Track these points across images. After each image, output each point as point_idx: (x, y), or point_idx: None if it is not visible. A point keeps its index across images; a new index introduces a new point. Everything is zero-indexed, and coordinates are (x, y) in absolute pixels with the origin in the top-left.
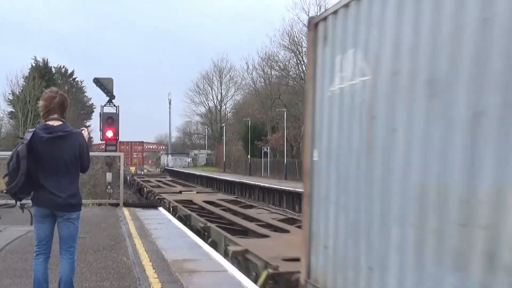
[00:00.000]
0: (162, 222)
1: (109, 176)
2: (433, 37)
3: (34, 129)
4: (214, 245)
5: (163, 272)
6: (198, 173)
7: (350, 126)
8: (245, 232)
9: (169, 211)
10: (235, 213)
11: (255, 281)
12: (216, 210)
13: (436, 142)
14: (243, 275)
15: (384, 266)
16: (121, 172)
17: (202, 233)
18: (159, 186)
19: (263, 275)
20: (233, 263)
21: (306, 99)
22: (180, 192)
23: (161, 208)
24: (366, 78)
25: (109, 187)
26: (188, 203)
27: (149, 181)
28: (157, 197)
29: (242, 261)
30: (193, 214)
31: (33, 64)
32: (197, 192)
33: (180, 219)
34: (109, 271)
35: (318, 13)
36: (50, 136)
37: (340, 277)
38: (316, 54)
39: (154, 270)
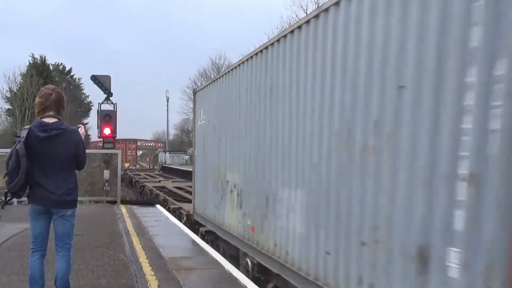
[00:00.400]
0: (160, 220)
1: (106, 174)
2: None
3: (29, 126)
4: (164, 205)
5: (160, 269)
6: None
7: (206, 142)
8: (189, 201)
9: (148, 193)
10: (188, 191)
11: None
12: (178, 191)
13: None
14: (240, 272)
15: (218, 206)
16: (119, 169)
17: (163, 203)
18: (145, 178)
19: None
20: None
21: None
22: (159, 181)
23: (158, 206)
24: (203, 122)
25: (106, 184)
26: (162, 188)
27: (139, 175)
28: (140, 184)
29: (177, 213)
30: (161, 193)
31: (31, 61)
32: (172, 181)
33: (154, 197)
34: (106, 268)
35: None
36: (45, 135)
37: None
38: (195, 107)
39: (151, 268)
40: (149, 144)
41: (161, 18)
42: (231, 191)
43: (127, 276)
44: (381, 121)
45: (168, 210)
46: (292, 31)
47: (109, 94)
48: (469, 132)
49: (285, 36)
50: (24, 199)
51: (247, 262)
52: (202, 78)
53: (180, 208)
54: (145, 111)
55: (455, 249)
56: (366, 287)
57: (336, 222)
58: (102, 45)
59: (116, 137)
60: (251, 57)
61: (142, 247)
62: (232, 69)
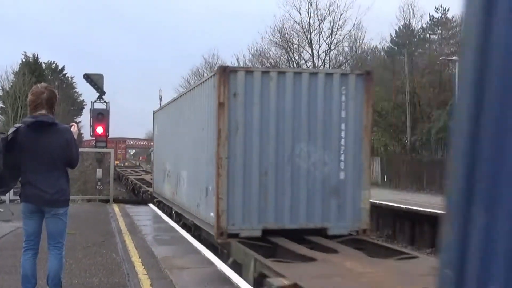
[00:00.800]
0: (152, 219)
1: (99, 172)
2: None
3: (20, 124)
4: (139, 189)
5: (152, 268)
6: None
7: (157, 146)
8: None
9: (130, 183)
10: None
11: None
12: (151, 181)
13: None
14: (232, 271)
15: (162, 184)
16: (111, 168)
17: (138, 189)
18: (130, 173)
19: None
20: None
21: None
22: (141, 175)
23: (151, 205)
24: (157, 133)
25: (99, 183)
26: (141, 179)
27: (126, 170)
28: (125, 177)
29: (147, 194)
30: (138, 182)
31: (23, 60)
32: (150, 175)
33: (134, 187)
34: (99, 267)
35: (309, 10)
36: (34, 120)
37: (156, 188)
38: (153, 123)
39: (143, 267)
40: (142, 143)
41: (154, 15)
42: (167, 174)
43: (119, 275)
44: None
45: (139, 192)
46: (185, 93)
47: (101, 92)
48: None
49: (186, 93)
50: (17, 197)
51: (171, 212)
52: (195, 77)
53: (148, 190)
54: (138, 110)
55: None
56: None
57: (202, 187)
58: (95, 44)
59: (109, 135)
60: (174, 100)
61: (135, 246)
62: (168, 104)
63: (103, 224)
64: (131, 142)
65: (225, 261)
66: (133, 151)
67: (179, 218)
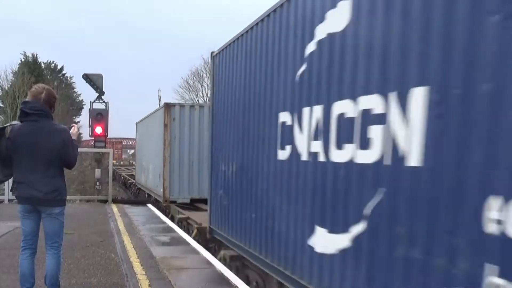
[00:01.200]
0: (151, 219)
1: (97, 173)
2: None
3: (16, 122)
4: (127, 181)
5: (151, 268)
6: None
7: (139, 149)
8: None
9: (124, 180)
10: None
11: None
12: None
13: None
14: (231, 272)
15: (140, 175)
16: (110, 168)
17: (126, 181)
18: (123, 170)
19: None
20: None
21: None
22: (132, 171)
23: (150, 205)
24: (139, 138)
25: (98, 183)
26: (131, 175)
27: (120, 168)
28: (118, 173)
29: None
30: (127, 176)
31: (22, 59)
32: None
33: (125, 181)
34: (97, 267)
35: None
36: (28, 111)
37: (139, 180)
38: (136, 132)
39: (142, 267)
40: None
41: (153, 16)
42: (142, 168)
43: (118, 276)
44: None
45: (129, 185)
46: (150, 115)
47: (101, 93)
48: None
49: (150, 115)
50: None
51: (149, 198)
52: (194, 77)
53: (134, 182)
54: (137, 110)
55: None
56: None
57: (157, 174)
58: (94, 44)
59: (108, 135)
60: (146, 117)
61: (133, 246)
62: (143, 119)
63: (101, 224)
64: (130, 143)
65: (167, 215)
66: (132, 151)
67: (150, 198)
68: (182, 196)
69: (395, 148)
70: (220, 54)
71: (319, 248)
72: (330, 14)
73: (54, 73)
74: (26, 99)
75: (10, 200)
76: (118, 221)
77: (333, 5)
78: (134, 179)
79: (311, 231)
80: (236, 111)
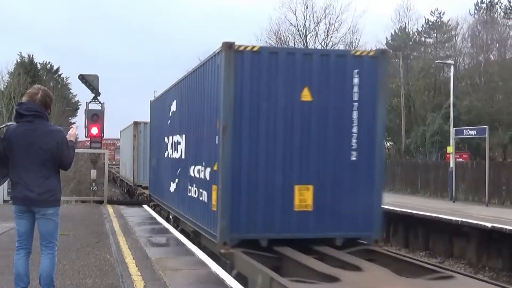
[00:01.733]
0: (146, 220)
1: (93, 173)
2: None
3: (12, 123)
4: (116, 177)
5: (146, 269)
6: None
7: (122, 153)
8: None
9: (112, 174)
10: None
11: None
12: None
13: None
14: (226, 273)
15: (122, 170)
16: (106, 169)
17: (114, 176)
18: (114, 168)
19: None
20: None
21: None
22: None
23: (145, 206)
24: (122, 144)
25: (93, 184)
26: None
27: (112, 167)
28: (112, 172)
29: (123, 182)
30: (116, 173)
31: (18, 60)
32: None
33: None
34: (92, 268)
35: (305, 13)
36: (23, 112)
37: (122, 174)
38: (121, 139)
39: (137, 268)
40: None
41: (150, 17)
42: (124, 165)
43: (113, 277)
44: None
45: (115, 179)
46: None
47: (96, 93)
48: None
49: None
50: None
51: (128, 186)
52: None
53: (120, 176)
54: (133, 111)
55: None
56: None
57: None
58: (90, 45)
59: (103, 136)
60: (126, 128)
61: (129, 247)
62: (125, 129)
63: (97, 225)
64: (117, 144)
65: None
66: None
67: (139, 196)
68: (145, 181)
69: (181, 152)
70: (153, 102)
71: (171, 190)
72: (173, 102)
73: (50, 73)
74: (22, 100)
75: (5, 201)
76: (113, 222)
77: (173, 100)
78: (117, 173)
79: (170, 184)
80: (154, 133)
